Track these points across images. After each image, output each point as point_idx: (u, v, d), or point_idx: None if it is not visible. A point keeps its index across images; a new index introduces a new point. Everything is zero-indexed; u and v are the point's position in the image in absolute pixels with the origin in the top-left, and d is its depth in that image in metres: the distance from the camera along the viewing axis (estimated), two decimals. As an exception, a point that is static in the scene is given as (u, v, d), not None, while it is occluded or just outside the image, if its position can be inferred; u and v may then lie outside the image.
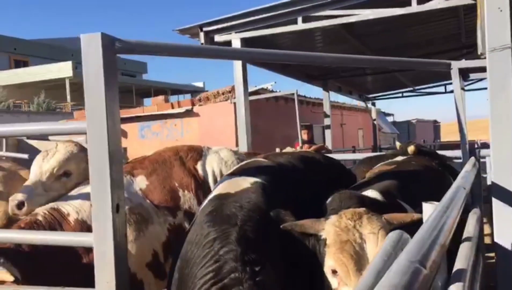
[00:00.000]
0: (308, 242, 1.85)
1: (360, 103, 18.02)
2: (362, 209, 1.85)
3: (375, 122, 16.25)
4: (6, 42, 31.82)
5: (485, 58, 2.73)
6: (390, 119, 33.17)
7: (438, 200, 1.77)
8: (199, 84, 38.24)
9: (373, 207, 2.02)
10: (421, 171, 3.19)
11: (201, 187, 2.95)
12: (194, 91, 33.69)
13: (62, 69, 28.78)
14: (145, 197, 2.72)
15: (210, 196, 2.15)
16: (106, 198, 1.93)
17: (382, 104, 34.25)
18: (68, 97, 28.45)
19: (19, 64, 32.37)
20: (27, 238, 2.20)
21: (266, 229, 1.86)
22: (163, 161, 2.96)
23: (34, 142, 8.84)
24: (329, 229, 1.78)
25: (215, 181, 2.97)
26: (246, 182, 2.13)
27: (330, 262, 1.74)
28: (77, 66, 27.42)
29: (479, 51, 2.96)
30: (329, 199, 2.22)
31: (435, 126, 39.44)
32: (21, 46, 32.91)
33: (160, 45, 2.81)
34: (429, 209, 1.78)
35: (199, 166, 3.05)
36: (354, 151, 13.22)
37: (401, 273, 0.92)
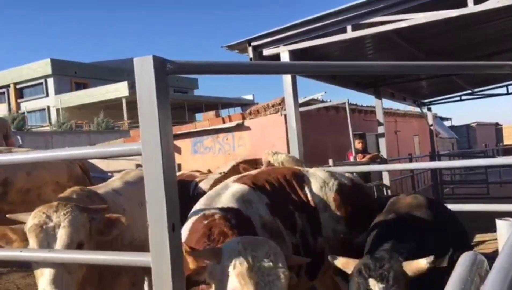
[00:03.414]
0: None
1: (414, 109, 17.40)
2: None
3: (431, 127, 15.61)
4: (67, 66, 33.89)
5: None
6: (447, 123, 31.87)
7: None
8: (249, 97, 38.64)
9: None
10: None
11: (311, 211, 2.98)
12: (244, 104, 34.07)
13: (118, 89, 30.13)
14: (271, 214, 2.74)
15: None
16: (163, 218, 1.95)
17: (439, 109, 33.02)
18: (125, 115, 29.69)
19: (80, 86, 34.26)
20: (88, 258, 2.27)
21: None
22: (276, 183, 3.00)
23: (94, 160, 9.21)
24: None
25: (321, 204, 3.02)
26: None
27: None
28: (133, 86, 28.58)
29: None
30: None
31: (497, 128, 37.43)
32: (81, 69, 34.86)
33: (209, 64, 2.84)
34: (503, 226, 1.55)
35: (307, 190, 3.09)
36: (411, 159, 12.72)
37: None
